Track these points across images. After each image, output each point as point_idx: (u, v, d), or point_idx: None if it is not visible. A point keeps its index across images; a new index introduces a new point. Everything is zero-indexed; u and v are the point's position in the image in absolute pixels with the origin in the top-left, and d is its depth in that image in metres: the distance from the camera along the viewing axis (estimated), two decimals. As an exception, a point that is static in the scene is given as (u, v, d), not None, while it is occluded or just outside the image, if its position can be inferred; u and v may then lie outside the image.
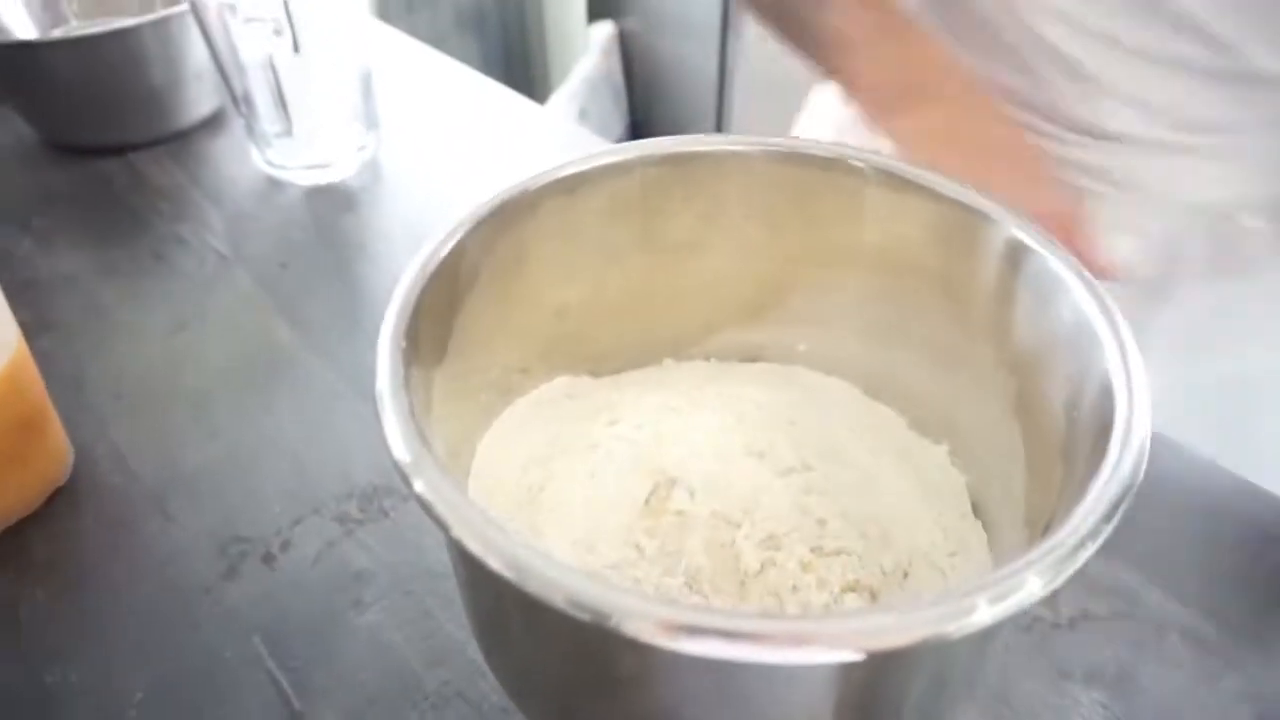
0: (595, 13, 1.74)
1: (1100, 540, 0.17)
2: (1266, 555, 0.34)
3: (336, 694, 0.30)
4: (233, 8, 0.52)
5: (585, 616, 0.16)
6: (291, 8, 0.52)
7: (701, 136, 0.27)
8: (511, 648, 0.23)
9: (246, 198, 0.57)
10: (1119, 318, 0.20)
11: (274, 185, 0.58)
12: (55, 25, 0.65)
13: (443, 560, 0.34)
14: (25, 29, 0.63)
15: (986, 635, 0.19)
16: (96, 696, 0.31)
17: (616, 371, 0.32)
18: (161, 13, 0.56)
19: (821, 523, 0.27)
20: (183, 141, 0.62)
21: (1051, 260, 0.22)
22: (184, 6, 0.57)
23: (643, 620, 0.16)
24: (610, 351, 0.32)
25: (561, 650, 0.21)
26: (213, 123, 0.64)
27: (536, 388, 0.30)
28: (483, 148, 0.62)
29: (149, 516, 0.37)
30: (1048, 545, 0.16)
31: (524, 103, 0.67)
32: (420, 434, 0.20)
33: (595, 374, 0.32)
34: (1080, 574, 0.23)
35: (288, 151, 0.57)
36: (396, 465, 0.19)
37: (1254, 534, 0.35)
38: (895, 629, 0.16)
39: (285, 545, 0.35)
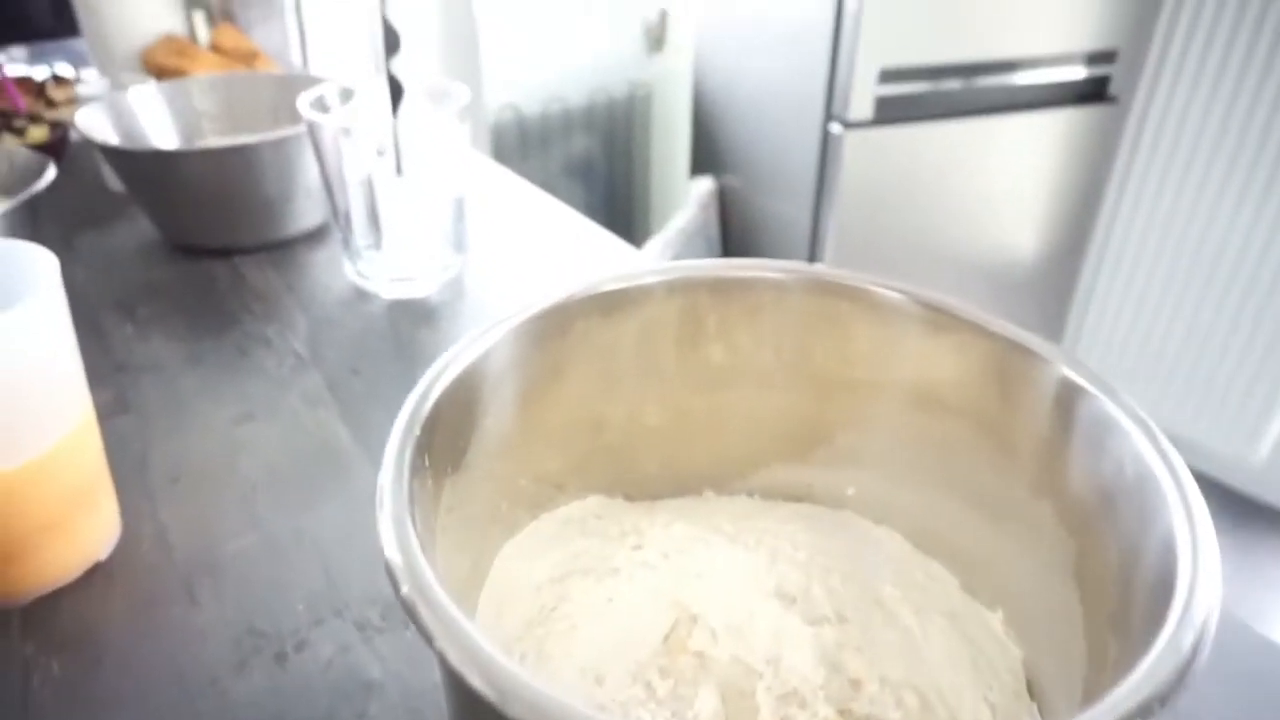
0: (698, 168, 1.81)
1: (1152, 724, 0.14)
2: (1253, 693, 0.30)
3: (320, 813, 0.28)
4: (347, 131, 0.56)
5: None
6: (400, 133, 0.56)
7: (740, 261, 0.26)
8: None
9: (334, 305, 0.59)
10: (1182, 469, 0.18)
11: (360, 295, 0.60)
12: (193, 139, 0.71)
13: (455, 681, 0.33)
14: (169, 141, 0.69)
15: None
16: (85, 783, 0.30)
17: (654, 498, 0.31)
18: (281, 132, 0.61)
19: (854, 684, 0.25)
20: (286, 250, 0.66)
21: (1108, 404, 0.20)
22: (301, 128, 0.61)
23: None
24: (649, 477, 0.31)
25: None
26: (315, 235, 0.68)
27: (567, 504, 0.29)
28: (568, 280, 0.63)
29: (176, 600, 0.37)
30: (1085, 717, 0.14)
31: (618, 244, 0.69)
32: (417, 538, 0.19)
33: (631, 498, 0.31)
34: None
35: (377, 264, 0.60)
36: (387, 566, 0.18)
37: (1241, 671, 0.30)
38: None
39: (300, 645, 0.34)
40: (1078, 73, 1.46)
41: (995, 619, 0.26)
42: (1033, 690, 0.25)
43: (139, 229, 0.69)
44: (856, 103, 1.28)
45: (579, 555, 0.27)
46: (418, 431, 0.20)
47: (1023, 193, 1.54)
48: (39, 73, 0.97)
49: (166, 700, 0.32)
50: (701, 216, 1.69)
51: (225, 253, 0.65)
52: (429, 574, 0.18)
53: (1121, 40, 1.45)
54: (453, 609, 0.17)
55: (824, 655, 0.24)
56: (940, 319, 0.24)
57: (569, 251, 0.68)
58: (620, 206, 1.99)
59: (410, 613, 0.17)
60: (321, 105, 0.58)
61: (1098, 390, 0.21)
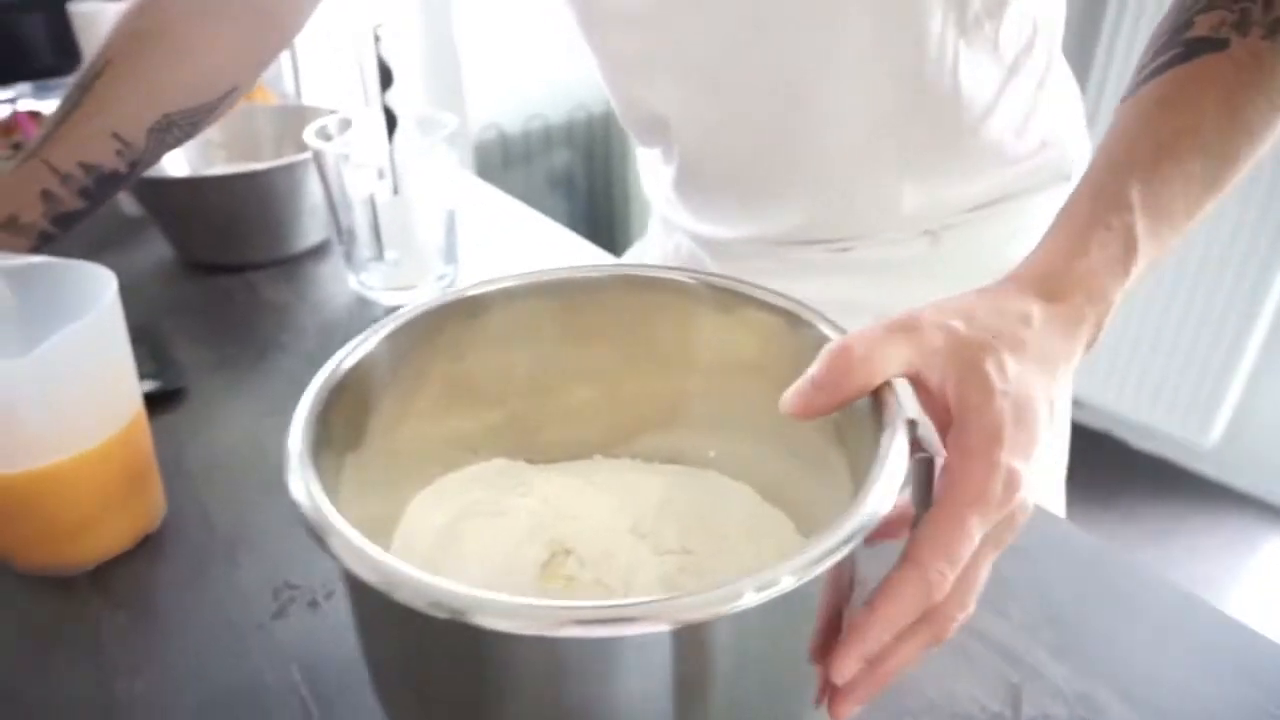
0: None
1: (853, 544, 0.23)
2: (1208, 665, 0.38)
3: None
4: (346, 156, 0.64)
5: (444, 614, 0.21)
6: (395, 158, 0.64)
7: (586, 265, 0.36)
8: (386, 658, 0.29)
9: (339, 311, 0.69)
10: (903, 388, 0.27)
11: (362, 303, 0.70)
12: (203, 166, 0.80)
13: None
14: (180, 168, 0.78)
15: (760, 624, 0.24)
16: (156, 706, 0.38)
17: (552, 461, 0.39)
18: (287, 159, 0.70)
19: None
20: (293, 265, 0.76)
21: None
22: (307, 154, 0.70)
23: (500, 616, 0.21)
24: (549, 444, 0.39)
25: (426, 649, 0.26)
26: (318, 251, 0.78)
27: (476, 465, 0.38)
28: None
29: (220, 563, 0.46)
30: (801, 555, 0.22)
31: (597, 253, 0.77)
32: (316, 483, 0.26)
33: (532, 461, 0.39)
34: (1045, 681, 0.30)
35: (378, 275, 0.68)
36: (293, 503, 0.26)
37: (1197, 645, 0.39)
38: (681, 609, 0.22)
39: (329, 595, 0.43)
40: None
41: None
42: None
43: (156, 250, 0.78)
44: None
45: (476, 502, 0.35)
46: (314, 430, 0.29)
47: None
48: (47, 108, 1.06)
49: (220, 642, 0.41)
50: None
51: (239, 269, 0.75)
52: (328, 507, 0.25)
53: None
54: (344, 525, 0.24)
55: (665, 578, 0.32)
56: (726, 298, 0.33)
57: (548, 259, 0.76)
58: (601, 217, 2.07)
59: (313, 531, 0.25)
60: (325, 134, 0.66)
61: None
